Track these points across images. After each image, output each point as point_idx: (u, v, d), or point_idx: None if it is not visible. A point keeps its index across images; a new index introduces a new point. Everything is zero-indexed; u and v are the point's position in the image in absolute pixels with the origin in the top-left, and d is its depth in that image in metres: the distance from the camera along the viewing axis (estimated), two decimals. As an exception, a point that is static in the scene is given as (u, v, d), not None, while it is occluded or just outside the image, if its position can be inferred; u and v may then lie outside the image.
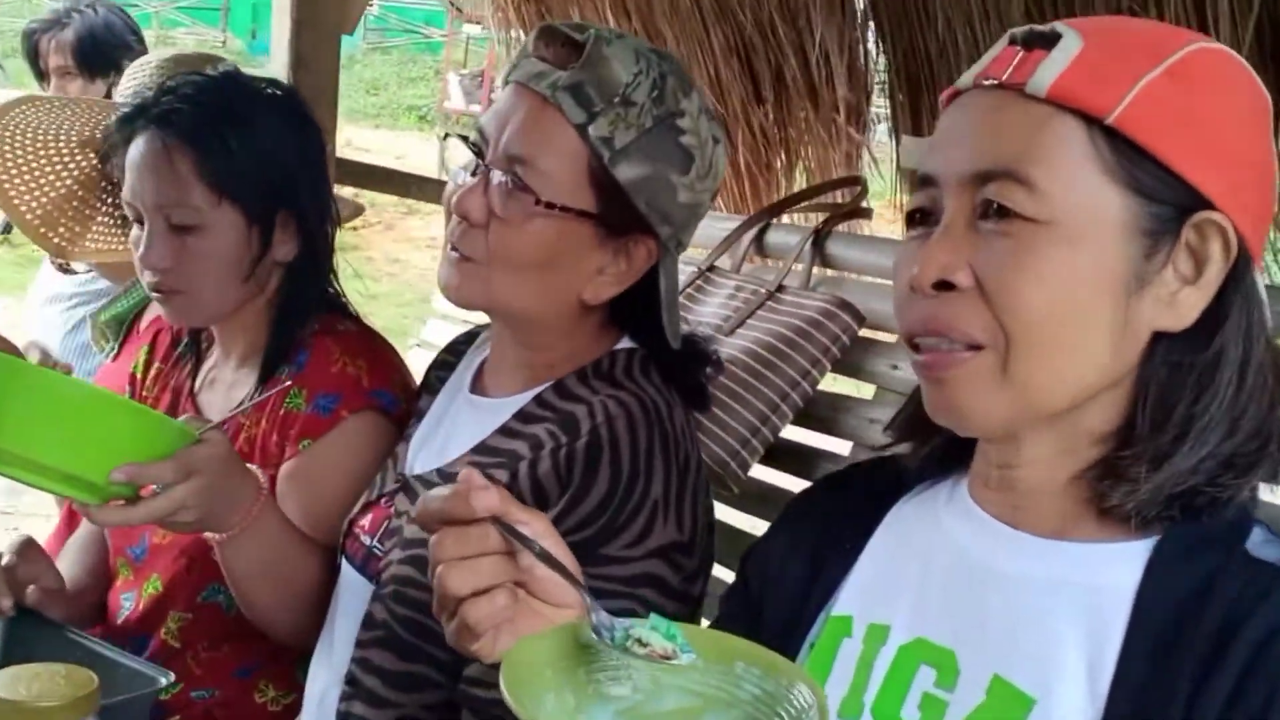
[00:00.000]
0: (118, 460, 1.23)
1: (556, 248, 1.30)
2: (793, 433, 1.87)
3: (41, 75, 3.32)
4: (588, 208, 1.29)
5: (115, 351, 2.17)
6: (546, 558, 0.95)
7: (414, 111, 17.53)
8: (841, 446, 1.86)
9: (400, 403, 1.63)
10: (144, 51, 3.38)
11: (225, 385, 1.72)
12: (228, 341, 1.73)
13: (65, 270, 2.98)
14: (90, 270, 3.14)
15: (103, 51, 3.19)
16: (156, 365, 1.83)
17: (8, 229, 3.42)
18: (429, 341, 3.09)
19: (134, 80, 2.23)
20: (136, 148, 1.59)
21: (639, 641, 0.87)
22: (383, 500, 1.47)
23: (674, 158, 1.31)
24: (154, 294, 1.63)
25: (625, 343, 1.41)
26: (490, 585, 0.94)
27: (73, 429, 1.20)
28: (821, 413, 1.86)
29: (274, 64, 2.73)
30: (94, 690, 1.14)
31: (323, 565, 1.55)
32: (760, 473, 1.85)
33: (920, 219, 1.02)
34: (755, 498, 1.85)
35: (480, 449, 1.38)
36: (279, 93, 1.68)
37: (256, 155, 1.59)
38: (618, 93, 1.28)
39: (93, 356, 3.22)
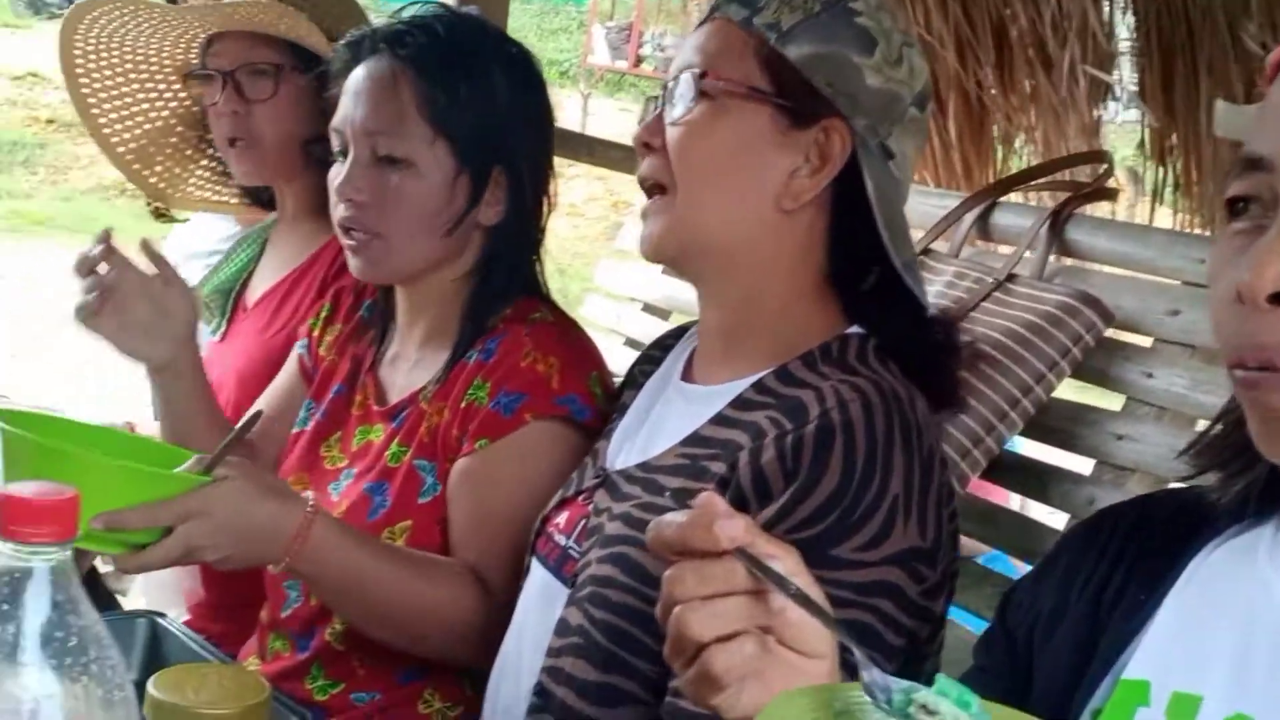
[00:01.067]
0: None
1: (740, 143, 1.30)
2: (1021, 445, 1.76)
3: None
4: (762, 87, 1.29)
5: (223, 329, 2.13)
6: (803, 599, 0.85)
7: (554, 66, 17.58)
8: (1081, 464, 1.73)
9: (590, 410, 1.57)
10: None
11: (407, 365, 1.68)
12: (414, 312, 1.68)
13: (161, 216, 2.95)
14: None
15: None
16: (338, 326, 1.79)
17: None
18: (586, 319, 3.03)
19: None
20: (359, 71, 1.58)
21: (924, 709, 0.77)
22: (580, 497, 1.42)
23: (850, 38, 1.30)
24: (345, 238, 1.60)
25: (854, 329, 1.35)
26: (737, 630, 0.85)
27: (92, 495, 1.24)
28: (1057, 423, 1.74)
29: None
30: (266, 698, 1.10)
31: (456, 585, 1.52)
32: (979, 487, 1.75)
33: (1245, 209, 0.90)
34: (976, 517, 1.74)
35: (692, 439, 1.32)
36: (516, 51, 1.66)
37: (483, 102, 1.57)
38: None
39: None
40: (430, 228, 1.57)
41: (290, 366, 1.83)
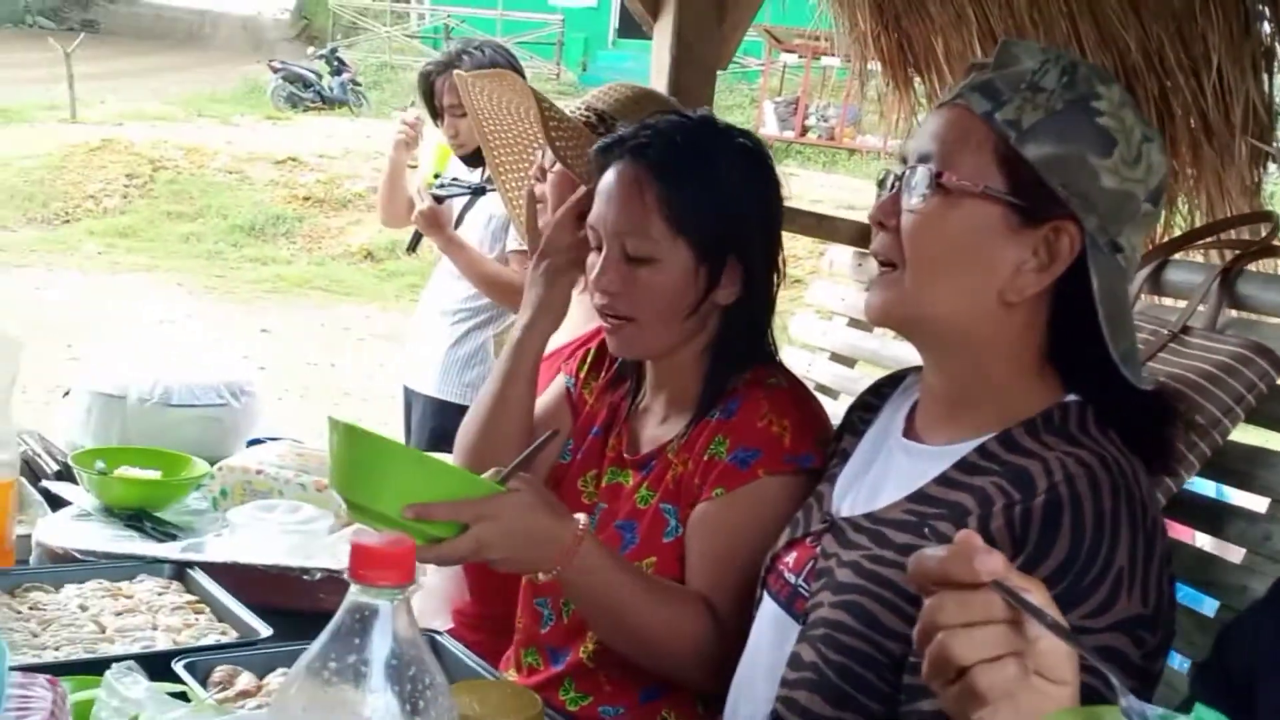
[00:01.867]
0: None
1: (970, 236, 1.24)
2: (1200, 485, 1.69)
3: (436, 114, 3.45)
4: (997, 187, 1.22)
5: None
6: (1058, 628, 0.84)
7: (731, 137, 17.61)
8: (1257, 503, 1.66)
9: (816, 458, 1.56)
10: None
11: (656, 421, 1.70)
12: (661, 380, 1.71)
13: (412, 250, 3.09)
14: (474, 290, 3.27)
15: (492, 85, 3.29)
16: (600, 374, 1.82)
17: (415, 244, 3.60)
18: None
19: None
20: (609, 175, 1.60)
21: (1184, 733, 0.75)
22: (808, 539, 1.41)
23: (1089, 138, 1.21)
24: (603, 321, 1.64)
25: (1072, 397, 1.29)
26: (998, 654, 0.84)
27: (398, 486, 1.31)
28: (1234, 465, 1.67)
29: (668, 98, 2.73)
30: (539, 711, 1.12)
31: (693, 610, 1.51)
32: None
33: None
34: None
35: (918, 497, 1.29)
36: (748, 143, 1.65)
37: (716, 198, 1.57)
38: (1025, 80, 1.23)
39: (472, 367, 3.34)
40: (674, 313, 1.59)
41: (556, 394, 1.84)
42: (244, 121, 15.92)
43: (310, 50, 22.02)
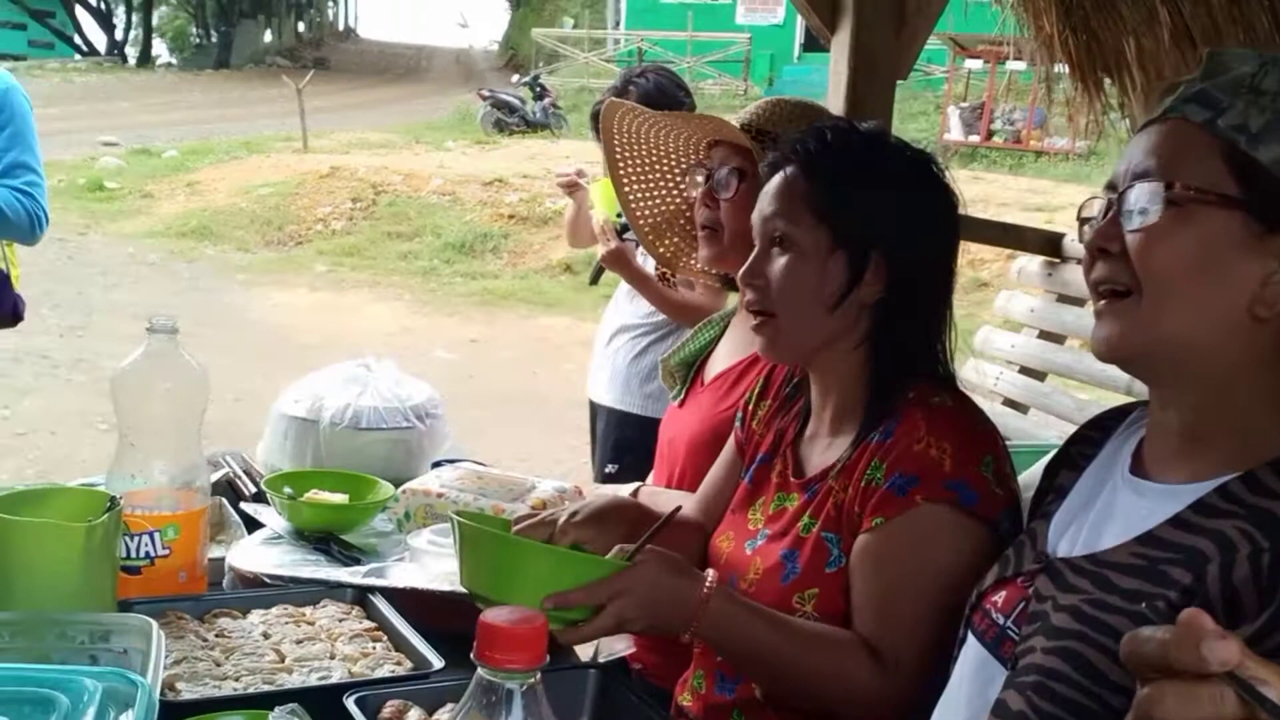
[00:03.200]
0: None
1: (1210, 249, 1.08)
2: None
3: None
4: (1230, 193, 1.07)
5: (681, 397, 2.09)
6: None
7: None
8: None
9: (978, 495, 1.40)
10: (694, 106, 3.38)
11: (822, 444, 1.58)
12: (823, 393, 1.59)
13: (665, 279, 3.02)
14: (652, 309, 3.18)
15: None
16: (767, 403, 1.73)
17: (596, 277, 3.55)
18: (966, 382, 2.82)
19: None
20: (775, 177, 1.56)
21: None
22: (1019, 579, 1.24)
23: None
24: (751, 321, 1.57)
25: None
26: None
27: (533, 580, 1.32)
28: None
29: (830, 108, 2.57)
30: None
31: (845, 657, 1.39)
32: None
33: None
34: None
35: (1147, 539, 1.11)
36: (913, 154, 1.56)
37: (865, 194, 1.49)
38: (1244, 84, 1.09)
39: (652, 380, 3.25)
40: (813, 303, 1.50)
41: (730, 446, 1.78)
42: (456, 146, 16.39)
43: (515, 78, 22.53)
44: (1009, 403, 2.43)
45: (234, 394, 6.72)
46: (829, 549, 1.46)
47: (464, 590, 1.51)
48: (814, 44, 21.42)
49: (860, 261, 1.48)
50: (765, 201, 1.55)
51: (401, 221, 12.86)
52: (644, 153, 2.08)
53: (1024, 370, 2.51)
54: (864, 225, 1.48)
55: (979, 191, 12.63)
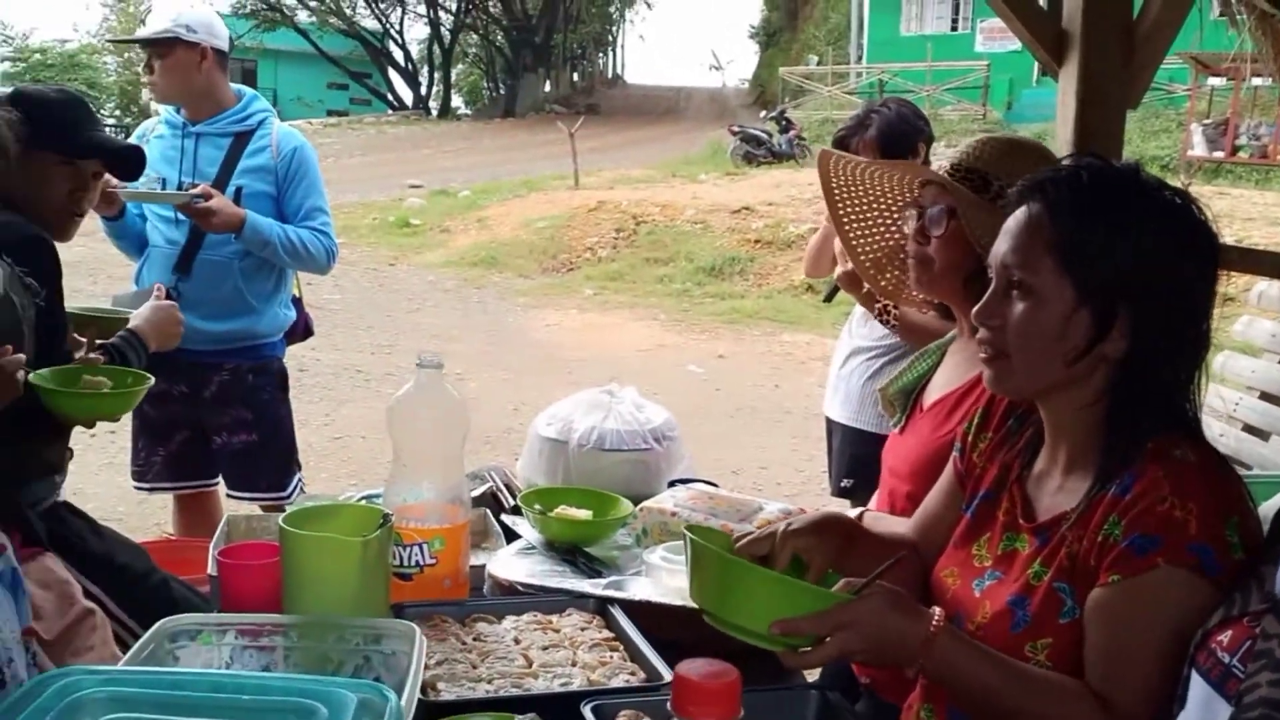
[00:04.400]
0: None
1: None
2: None
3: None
4: None
5: (902, 424, 1.99)
6: None
7: (1155, 162, 15.99)
8: None
9: (1220, 565, 1.22)
10: (932, 135, 3.24)
11: (1053, 486, 1.43)
12: (1056, 434, 1.44)
13: (884, 315, 2.89)
14: (887, 331, 3.06)
15: (900, 141, 3.09)
16: (988, 435, 1.58)
17: (831, 296, 3.46)
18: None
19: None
20: (1017, 214, 1.39)
21: None
22: (1245, 619, 1.10)
23: None
24: (981, 354, 1.42)
25: None
26: None
27: (764, 606, 1.27)
28: None
29: (1058, 138, 2.40)
30: None
31: (1073, 706, 1.25)
32: None
33: None
34: None
35: None
36: (1171, 197, 1.35)
37: (1115, 244, 1.30)
38: None
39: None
40: (1050, 354, 1.33)
41: (949, 473, 1.65)
42: (708, 178, 16.51)
43: (763, 113, 22.49)
44: (1249, 429, 2.18)
45: (513, 404, 7.00)
46: (1062, 599, 1.32)
47: (694, 605, 1.48)
48: (1051, 68, 20.33)
49: (1106, 317, 1.31)
50: (1006, 241, 1.38)
51: (658, 248, 13.06)
52: (861, 193, 2.00)
53: (1264, 396, 2.25)
54: (1112, 279, 1.30)
55: (1224, 206, 11.60)
